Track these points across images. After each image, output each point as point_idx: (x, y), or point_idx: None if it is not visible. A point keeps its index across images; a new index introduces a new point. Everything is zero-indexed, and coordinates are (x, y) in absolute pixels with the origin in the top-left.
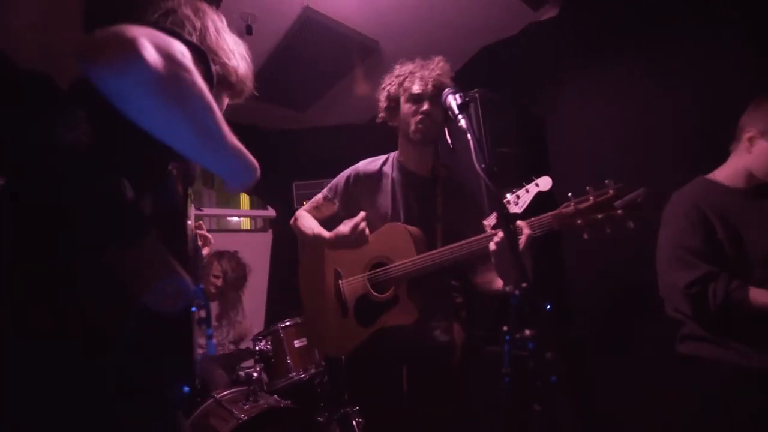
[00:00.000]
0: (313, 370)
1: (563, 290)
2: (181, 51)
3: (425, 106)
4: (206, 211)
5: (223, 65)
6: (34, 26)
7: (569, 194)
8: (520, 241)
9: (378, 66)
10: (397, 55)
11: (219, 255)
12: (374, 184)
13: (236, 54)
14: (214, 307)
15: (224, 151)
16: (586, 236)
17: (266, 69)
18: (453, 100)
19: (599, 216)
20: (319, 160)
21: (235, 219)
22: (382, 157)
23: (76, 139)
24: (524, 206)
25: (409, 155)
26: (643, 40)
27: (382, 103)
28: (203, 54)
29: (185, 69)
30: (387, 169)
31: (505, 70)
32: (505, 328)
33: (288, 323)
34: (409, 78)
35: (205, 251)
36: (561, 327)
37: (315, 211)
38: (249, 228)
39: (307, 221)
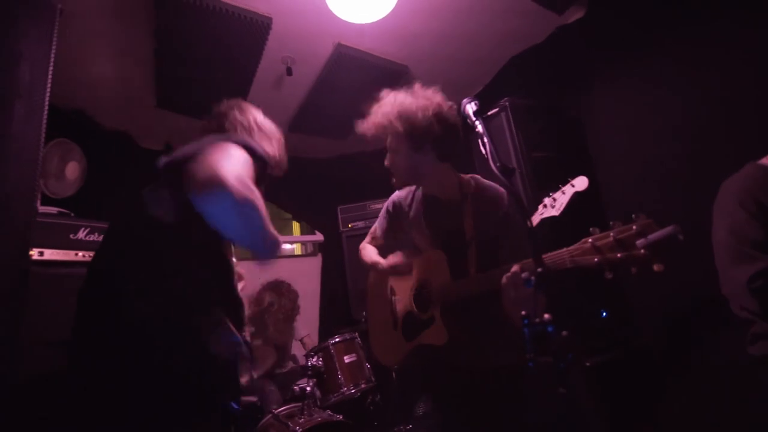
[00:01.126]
0: (363, 386)
1: (623, 294)
2: (248, 175)
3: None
4: None
5: (266, 154)
6: (113, 88)
7: (590, 229)
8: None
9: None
10: (426, 77)
11: (270, 287)
12: (406, 214)
13: (273, 140)
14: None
15: (264, 243)
16: (609, 276)
17: (307, 104)
18: (470, 108)
19: (618, 255)
20: (361, 183)
21: (289, 246)
22: (414, 186)
23: (163, 215)
24: (561, 208)
25: (426, 182)
26: (675, 33)
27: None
28: (259, 155)
29: (253, 194)
30: (418, 195)
31: (536, 77)
32: (523, 312)
33: (338, 339)
34: None
35: (240, 285)
36: (622, 335)
37: (373, 242)
38: (300, 253)
39: (366, 252)
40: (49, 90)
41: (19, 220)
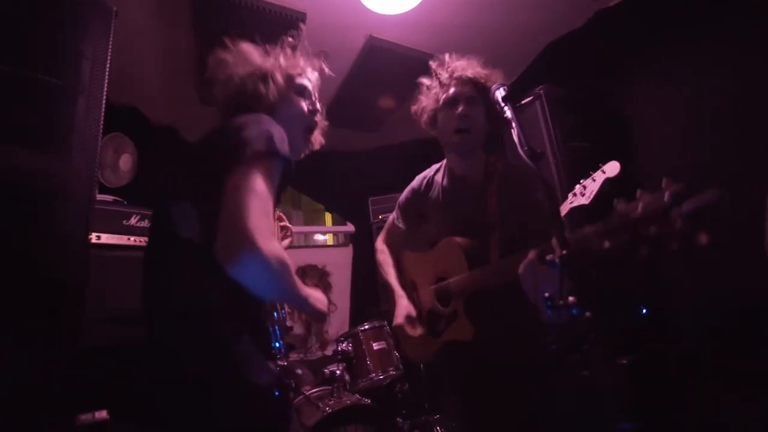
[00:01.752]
0: (392, 372)
1: (663, 293)
2: (269, 206)
3: (460, 108)
4: (293, 228)
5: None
6: (158, 84)
7: (614, 201)
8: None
9: None
10: None
11: (303, 271)
12: (427, 196)
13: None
14: (299, 316)
15: (294, 300)
16: (644, 254)
17: (339, 97)
18: (498, 94)
19: (653, 230)
20: (392, 175)
21: (322, 237)
22: (436, 166)
23: (192, 234)
24: (591, 196)
25: (454, 161)
26: (726, 18)
27: (421, 114)
28: (282, 155)
29: (283, 254)
30: (438, 178)
31: (574, 64)
32: (546, 294)
33: (366, 326)
34: (442, 81)
35: (286, 242)
36: (663, 339)
37: (389, 237)
38: (332, 243)
39: (384, 261)
40: (106, 86)
41: (81, 205)
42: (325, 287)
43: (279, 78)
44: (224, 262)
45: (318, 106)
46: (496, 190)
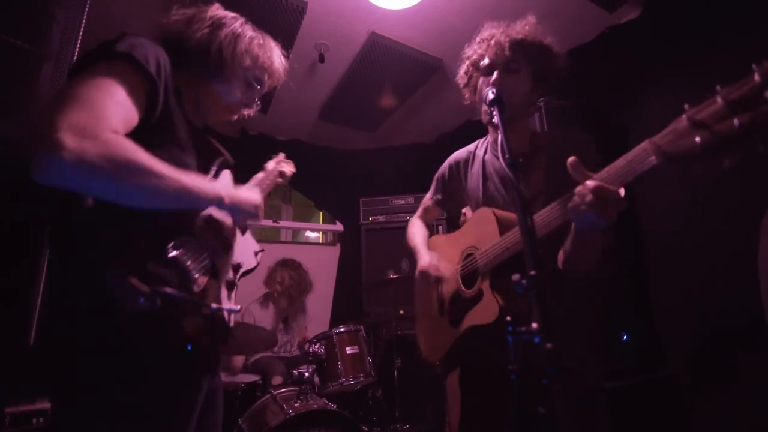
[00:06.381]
0: (362, 379)
1: (648, 316)
2: (114, 112)
3: (494, 76)
4: (282, 223)
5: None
6: None
7: (685, 106)
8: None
9: (443, 83)
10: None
11: (283, 264)
12: (467, 171)
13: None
14: (275, 312)
15: (183, 201)
16: (728, 163)
17: (338, 93)
18: (490, 95)
19: (736, 121)
20: (385, 178)
21: (313, 234)
22: (477, 141)
23: None
24: None
25: (495, 134)
26: (741, 39)
27: (462, 79)
28: (147, 67)
29: (106, 145)
30: (479, 152)
31: (581, 79)
32: (508, 318)
33: (342, 329)
34: (484, 44)
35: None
36: (648, 363)
37: (425, 214)
38: (320, 242)
39: (413, 230)
40: (76, 55)
41: None
42: (297, 290)
43: (239, 43)
44: (31, 170)
45: (252, 105)
46: (544, 165)
